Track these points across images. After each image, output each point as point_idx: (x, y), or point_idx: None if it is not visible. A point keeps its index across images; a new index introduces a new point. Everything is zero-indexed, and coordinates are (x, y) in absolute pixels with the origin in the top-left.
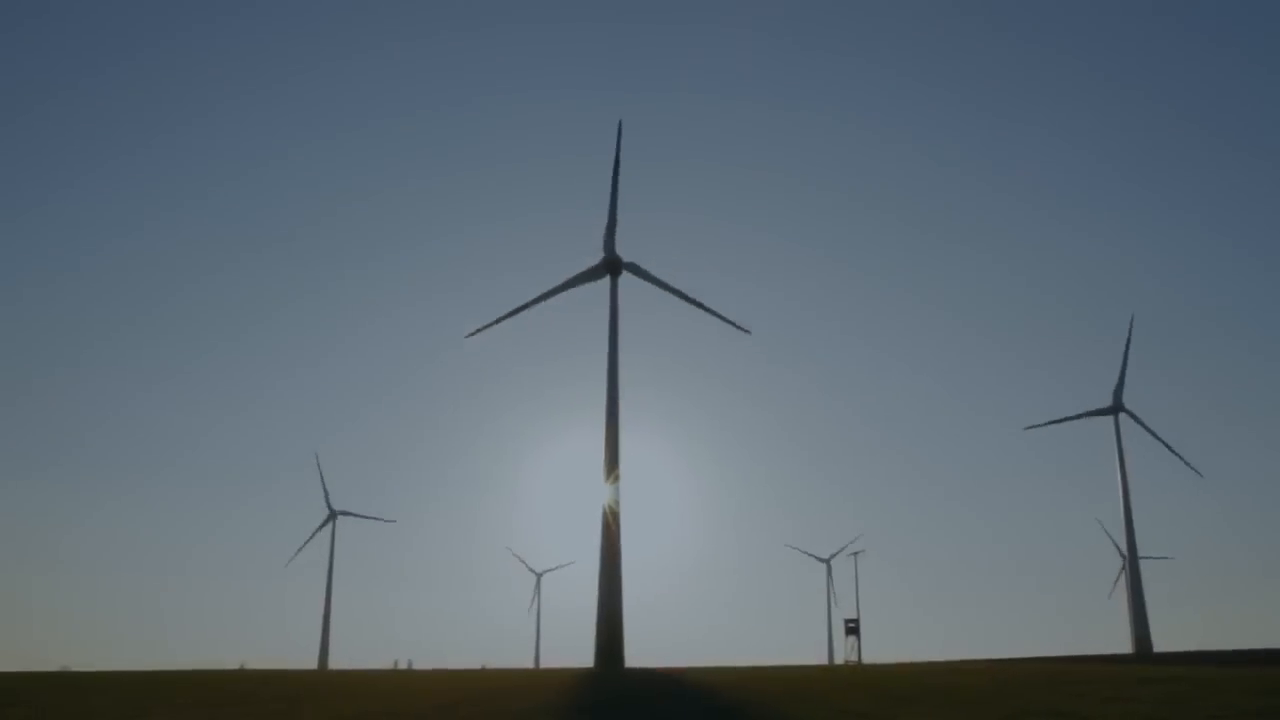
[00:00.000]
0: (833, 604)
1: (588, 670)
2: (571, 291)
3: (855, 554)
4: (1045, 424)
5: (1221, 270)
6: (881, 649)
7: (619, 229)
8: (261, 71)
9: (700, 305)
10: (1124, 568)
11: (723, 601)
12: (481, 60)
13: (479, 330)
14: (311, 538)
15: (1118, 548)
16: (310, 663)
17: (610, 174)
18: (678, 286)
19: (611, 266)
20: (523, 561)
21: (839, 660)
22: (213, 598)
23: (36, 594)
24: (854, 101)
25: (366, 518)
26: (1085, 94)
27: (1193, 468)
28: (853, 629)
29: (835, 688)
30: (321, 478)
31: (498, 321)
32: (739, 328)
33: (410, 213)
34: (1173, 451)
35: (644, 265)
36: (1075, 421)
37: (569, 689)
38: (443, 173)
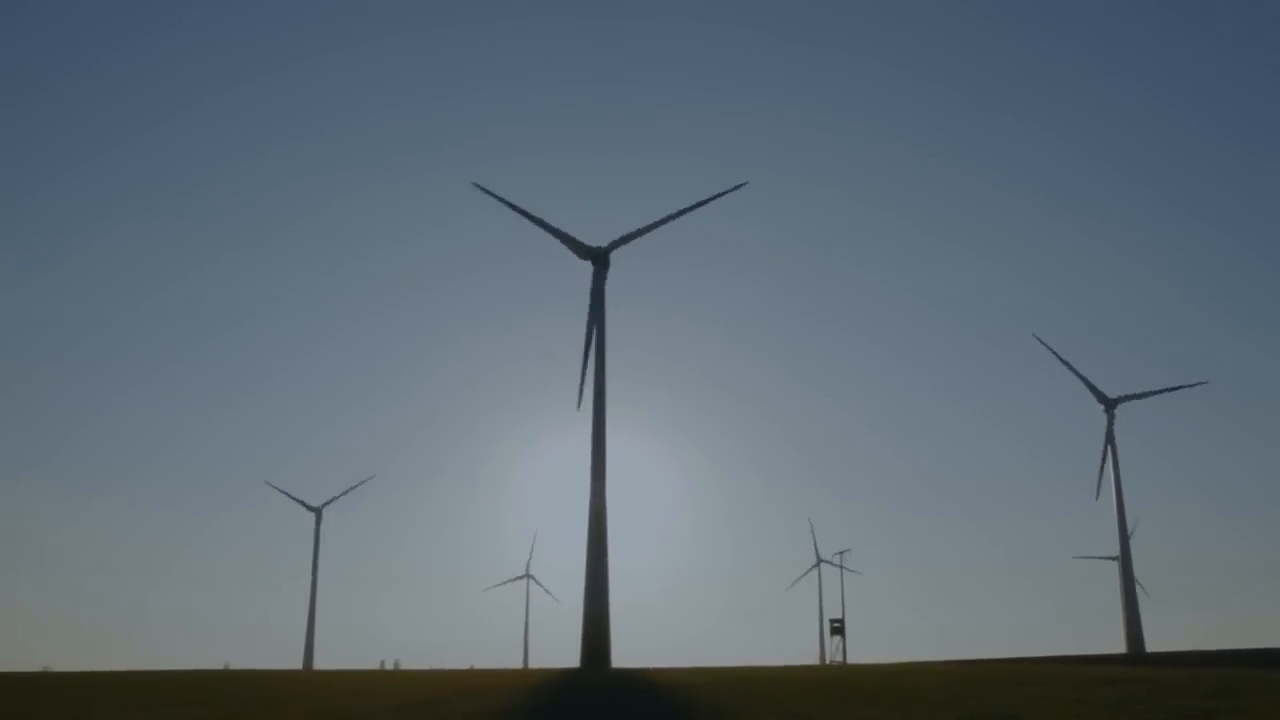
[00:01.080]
0: (822, 602)
1: (561, 671)
2: (562, 287)
3: (840, 554)
4: (1050, 349)
5: (1222, 270)
6: (880, 649)
7: (632, 244)
8: (244, 67)
9: (585, 361)
10: (1118, 558)
11: (720, 600)
12: (475, 55)
13: (486, 191)
14: (289, 497)
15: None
16: (297, 663)
17: (693, 203)
18: (606, 319)
19: (596, 258)
20: (530, 554)
21: (829, 661)
22: (202, 597)
23: (22, 593)
24: (849, 99)
25: (348, 491)
26: (1087, 92)
27: (1093, 495)
28: (838, 629)
29: (796, 689)
30: (354, 487)
31: (501, 200)
32: (579, 397)
33: (397, 210)
34: (1107, 469)
35: (634, 263)
36: (1069, 412)
37: (528, 690)
38: (433, 169)
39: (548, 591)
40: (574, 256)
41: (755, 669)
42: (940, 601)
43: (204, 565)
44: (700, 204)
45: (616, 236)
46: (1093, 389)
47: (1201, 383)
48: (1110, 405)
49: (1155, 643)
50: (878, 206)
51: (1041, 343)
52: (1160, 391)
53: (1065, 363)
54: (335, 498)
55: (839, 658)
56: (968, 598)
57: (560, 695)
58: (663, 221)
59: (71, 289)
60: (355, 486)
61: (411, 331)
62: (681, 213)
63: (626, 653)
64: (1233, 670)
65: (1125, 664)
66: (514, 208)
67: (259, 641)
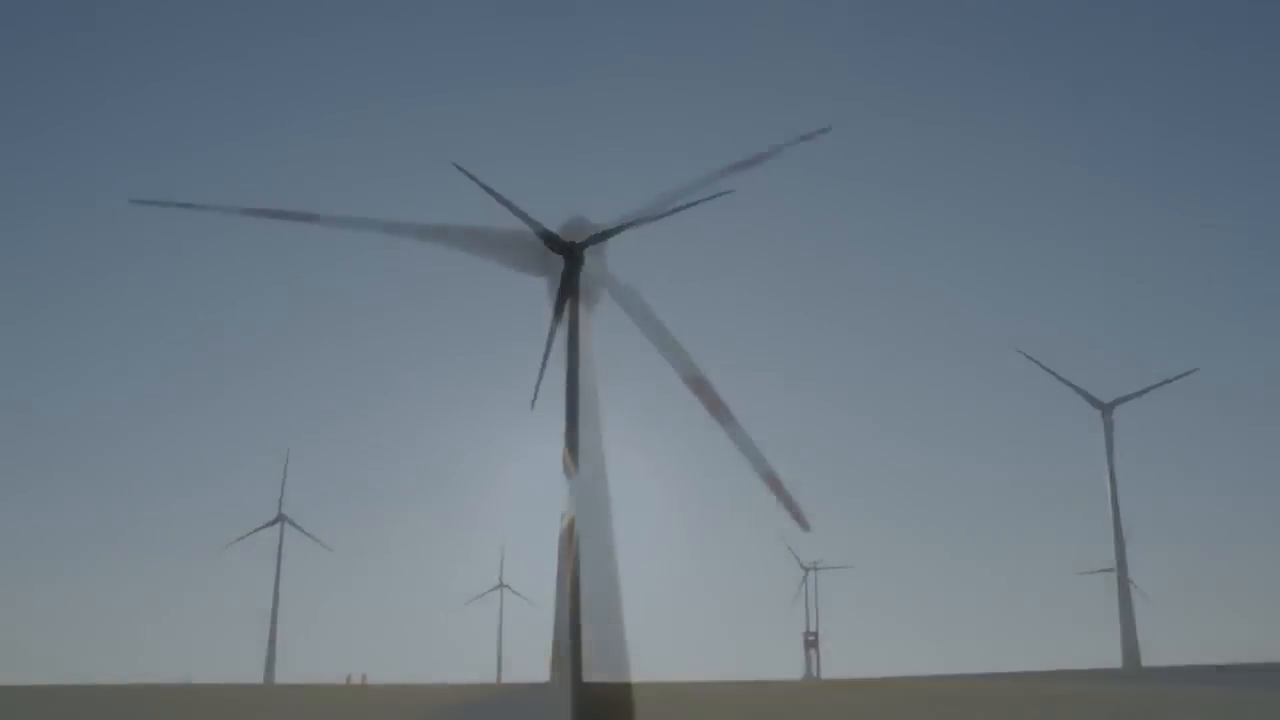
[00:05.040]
0: (808, 614)
1: (509, 685)
2: (539, 289)
3: (815, 565)
4: (1036, 362)
5: (1219, 269)
6: (874, 662)
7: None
8: (209, 57)
9: (545, 358)
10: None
11: (712, 612)
12: (450, 48)
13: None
14: (251, 534)
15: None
16: (257, 676)
17: (673, 207)
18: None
19: (568, 253)
20: (478, 595)
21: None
22: (170, 606)
23: None
24: (841, 93)
25: (309, 535)
26: (1084, 89)
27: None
28: (811, 642)
29: (720, 707)
30: (284, 478)
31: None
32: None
33: (371, 205)
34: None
35: (616, 258)
36: (1065, 425)
37: (451, 705)
38: (410, 162)
39: (521, 596)
40: (544, 251)
41: (704, 684)
42: (939, 614)
43: (173, 574)
44: (679, 208)
45: (590, 232)
46: (1085, 395)
47: (1193, 370)
48: (1107, 410)
49: (1169, 657)
50: (871, 203)
51: (1027, 356)
52: (1154, 387)
53: (1053, 373)
54: (281, 495)
55: (814, 671)
56: (968, 610)
57: (476, 709)
58: (641, 221)
59: (27, 277)
60: (285, 474)
61: (380, 334)
62: (659, 215)
63: (604, 664)
64: (1198, 688)
65: (1093, 681)
66: (490, 191)
67: (229, 655)
